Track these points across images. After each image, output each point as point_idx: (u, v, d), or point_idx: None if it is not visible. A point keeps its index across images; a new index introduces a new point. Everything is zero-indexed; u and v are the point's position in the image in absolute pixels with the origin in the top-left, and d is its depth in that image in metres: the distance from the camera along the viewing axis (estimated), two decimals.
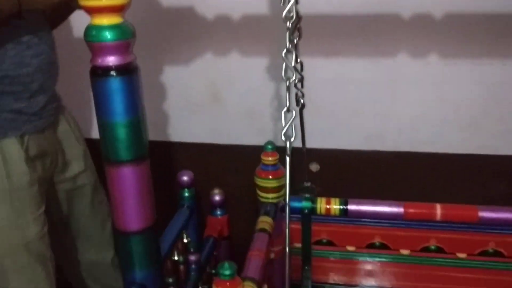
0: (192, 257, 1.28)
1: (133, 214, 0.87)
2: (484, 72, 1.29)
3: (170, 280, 1.20)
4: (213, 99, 1.46)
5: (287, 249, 0.83)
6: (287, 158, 0.81)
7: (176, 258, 1.23)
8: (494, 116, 1.34)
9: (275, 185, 1.19)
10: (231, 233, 1.42)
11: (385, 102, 1.38)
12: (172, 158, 1.55)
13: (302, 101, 1.10)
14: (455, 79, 1.32)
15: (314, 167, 1.40)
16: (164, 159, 1.52)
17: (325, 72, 1.34)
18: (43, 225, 1.08)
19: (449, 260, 1.21)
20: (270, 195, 1.20)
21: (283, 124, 0.81)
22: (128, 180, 0.85)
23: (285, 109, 0.82)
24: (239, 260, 0.96)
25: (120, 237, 0.91)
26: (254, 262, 0.97)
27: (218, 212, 1.41)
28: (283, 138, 0.80)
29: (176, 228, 1.22)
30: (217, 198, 1.40)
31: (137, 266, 0.91)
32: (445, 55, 1.29)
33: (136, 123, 0.81)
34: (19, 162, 1.01)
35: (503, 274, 1.19)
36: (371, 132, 1.42)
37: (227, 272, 0.77)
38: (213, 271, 1.40)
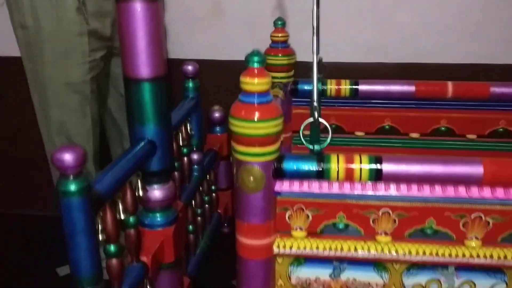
0: (195, 156, 1.21)
1: (144, 59, 0.84)
2: None
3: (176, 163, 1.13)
4: (214, 12, 1.44)
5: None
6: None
7: (181, 143, 1.16)
8: (497, 25, 1.36)
9: (285, 63, 1.16)
10: (230, 153, 1.36)
11: (387, 10, 1.39)
12: (171, 76, 1.51)
13: None
14: None
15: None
16: None
17: None
18: (87, 73, 1.16)
19: (459, 143, 1.17)
20: (279, 74, 1.17)
21: None
22: (139, 16, 0.82)
23: None
24: None
25: (130, 86, 0.87)
26: None
27: (217, 129, 1.37)
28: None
29: (181, 114, 1.16)
30: (216, 115, 1.37)
31: (146, 119, 0.87)
32: None
33: None
34: (70, 10, 1.10)
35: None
36: (373, 43, 1.42)
37: (256, 59, 0.73)
38: (213, 187, 1.33)
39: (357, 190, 0.76)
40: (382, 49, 1.42)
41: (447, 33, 1.39)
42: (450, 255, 0.77)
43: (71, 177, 0.66)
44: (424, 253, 0.77)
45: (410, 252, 0.78)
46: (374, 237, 0.79)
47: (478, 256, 0.77)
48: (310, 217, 0.79)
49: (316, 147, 0.74)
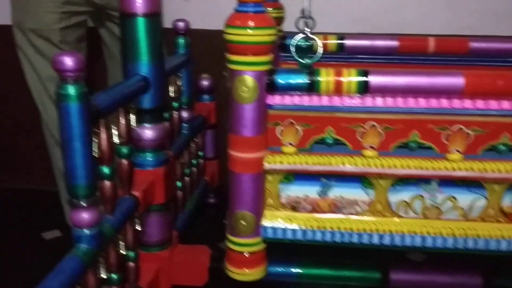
0: (185, 114, 1.24)
1: None
2: None
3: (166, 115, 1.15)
4: None
5: None
6: None
7: (172, 94, 1.18)
8: None
9: (273, 16, 1.20)
10: (218, 122, 1.39)
11: None
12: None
13: None
14: None
15: None
16: None
17: None
18: (58, 22, 1.19)
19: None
20: None
21: None
22: None
23: None
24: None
25: (126, 22, 0.89)
26: None
27: (206, 97, 1.39)
28: None
29: (170, 65, 1.18)
30: (204, 83, 1.39)
31: (140, 55, 0.90)
32: None
33: None
34: None
35: None
36: (357, 15, 1.47)
37: None
38: (201, 153, 1.35)
39: (346, 103, 0.79)
40: (366, 20, 1.47)
41: (430, 4, 1.45)
42: (433, 168, 0.80)
43: (71, 80, 0.68)
44: (408, 166, 0.81)
45: (395, 166, 0.81)
46: (361, 152, 0.82)
47: (459, 168, 0.80)
48: (301, 132, 0.82)
49: (307, 60, 0.78)
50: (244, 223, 0.85)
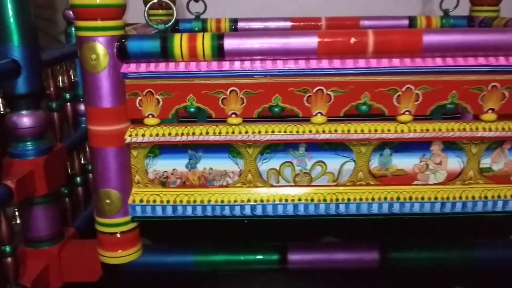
0: (83, 107, 1.19)
1: None
2: None
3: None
4: None
5: None
6: None
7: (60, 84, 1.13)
8: None
9: None
10: None
11: None
12: None
13: None
14: None
15: None
16: None
17: None
18: None
19: None
20: (160, 12, 1.18)
21: None
22: None
23: None
24: None
25: None
26: None
27: None
28: None
29: (58, 52, 1.14)
30: None
31: (8, 36, 0.85)
32: None
33: None
34: None
35: None
36: (266, 2, 1.47)
37: None
38: None
39: (203, 68, 0.77)
40: (273, 8, 1.48)
41: None
42: (297, 132, 0.79)
43: None
44: (273, 131, 0.79)
45: (259, 132, 0.79)
46: (225, 120, 0.80)
47: (323, 131, 0.79)
48: (161, 102, 0.79)
49: (161, 26, 0.75)
50: (108, 202, 0.81)
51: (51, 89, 1.10)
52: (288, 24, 1.20)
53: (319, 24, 1.20)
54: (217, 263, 0.94)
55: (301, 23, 1.21)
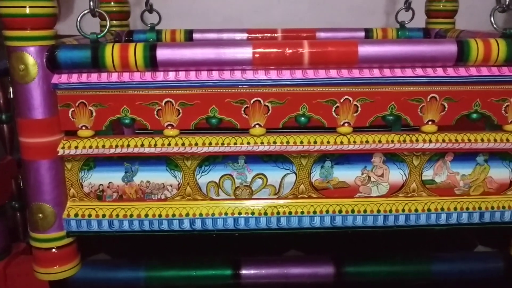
0: None
1: None
2: None
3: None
4: None
5: None
6: None
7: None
8: None
9: (116, 10, 1.17)
10: None
11: None
12: None
13: None
14: None
15: None
16: None
17: None
18: None
19: None
20: (112, 22, 1.17)
21: None
22: None
23: None
24: None
25: None
26: None
27: None
28: None
29: None
30: None
31: None
32: None
33: None
34: None
35: None
36: (228, 14, 1.46)
37: None
38: None
39: (136, 79, 0.75)
40: (236, 19, 1.47)
41: (298, 2, 1.46)
42: (235, 144, 0.77)
43: None
44: (210, 143, 0.77)
45: (196, 144, 0.77)
46: (161, 131, 0.78)
47: (262, 143, 0.77)
48: (94, 113, 0.77)
49: (92, 36, 0.74)
50: (41, 216, 0.78)
51: (0, 100, 1.08)
52: (244, 35, 1.19)
53: (275, 35, 1.19)
54: (168, 278, 0.91)
55: (257, 35, 1.19)
